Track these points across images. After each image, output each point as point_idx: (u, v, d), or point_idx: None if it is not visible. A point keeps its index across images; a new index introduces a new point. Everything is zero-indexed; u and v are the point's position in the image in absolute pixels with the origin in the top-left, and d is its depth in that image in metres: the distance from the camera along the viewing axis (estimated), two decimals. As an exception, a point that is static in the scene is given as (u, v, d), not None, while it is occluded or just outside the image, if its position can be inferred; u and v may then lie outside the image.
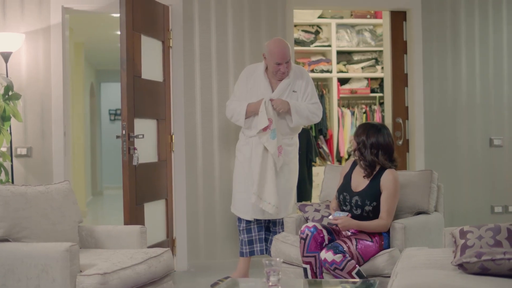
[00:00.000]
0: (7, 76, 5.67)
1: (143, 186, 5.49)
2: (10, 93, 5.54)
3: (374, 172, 4.53)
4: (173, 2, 6.08)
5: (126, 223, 5.21)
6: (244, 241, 5.55)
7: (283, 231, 5.24)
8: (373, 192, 4.48)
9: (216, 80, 6.17)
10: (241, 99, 5.48)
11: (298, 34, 9.32)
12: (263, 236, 5.60)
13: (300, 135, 7.37)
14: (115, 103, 15.61)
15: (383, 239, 4.46)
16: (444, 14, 6.67)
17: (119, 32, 5.44)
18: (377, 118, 9.54)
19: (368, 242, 4.36)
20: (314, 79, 9.44)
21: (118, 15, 5.42)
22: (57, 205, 4.28)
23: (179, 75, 6.09)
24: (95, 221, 10.59)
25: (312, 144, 8.71)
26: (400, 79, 6.78)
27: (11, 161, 5.69)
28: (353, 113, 9.60)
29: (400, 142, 6.69)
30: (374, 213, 4.48)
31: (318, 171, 9.24)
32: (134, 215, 5.30)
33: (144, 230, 4.54)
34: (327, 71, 9.43)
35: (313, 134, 9.23)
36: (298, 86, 5.49)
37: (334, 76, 9.44)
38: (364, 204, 4.48)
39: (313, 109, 5.50)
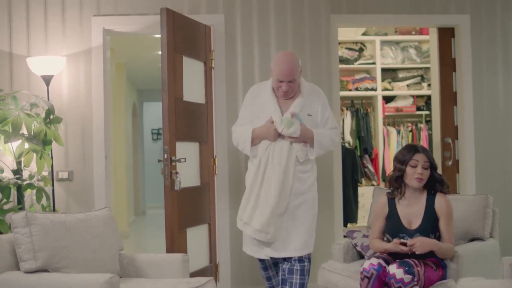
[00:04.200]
0: (48, 99, 5.61)
1: (186, 211, 5.36)
2: (51, 116, 5.47)
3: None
4: (214, 22, 5.97)
5: (168, 250, 5.09)
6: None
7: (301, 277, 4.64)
8: (432, 224, 4.27)
9: (259, 101, 6.01)
10: (246, 123, 4.80)
11: (342, 52, 9.16)
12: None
13: (345, 155, 7.22)
14: (158, 122, 15.63)
15: (444, 269, 4.25)
16: (494, 30, 6.44)
17: (160, 52, 5.35)
18: (423, 137, 9.32)
19: (433, 271, 4.16)
20: (358, 98, 9.29)
21: (159, 35, 5.32)
22: (97, 233, 4.17)
23: (221, 97, 5.96)
24: (138, 243, 10.52)
25: (357, 164, 8.53)
26: (449, 97, 6.56)
27: (52, 185, 5.62)
28: (398, 132, 9.39)
29: (450, 163, 6.46)
30: None
31: (363, 191, 9.04)
32: (176, 241, 5.17)
33: (186, 258, 4.40)
34: (372, 89, 9.25)
35: (358, 153, 9.04)
36: (314, 109, 4.75)
37: (379, 94, 9.25)
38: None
39: (333, 137, 4.81)
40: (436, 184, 4.35)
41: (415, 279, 3.94)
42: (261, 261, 4.83)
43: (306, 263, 4.60)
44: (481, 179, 6.37)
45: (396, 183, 4.39)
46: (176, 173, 5.15)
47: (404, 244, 4.14)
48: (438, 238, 4.26)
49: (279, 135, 4.58)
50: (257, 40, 6.05)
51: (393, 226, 4.37)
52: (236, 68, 6.03)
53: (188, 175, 5.46)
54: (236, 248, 5.96)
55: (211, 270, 5.79)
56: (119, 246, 4.37)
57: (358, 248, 4.87)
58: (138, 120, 14.33)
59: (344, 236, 5.33)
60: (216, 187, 5.94)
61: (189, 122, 5.52)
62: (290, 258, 4.60)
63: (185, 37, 5.49)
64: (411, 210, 4.33)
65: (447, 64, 6.56)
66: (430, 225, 4.25)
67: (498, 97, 6.45)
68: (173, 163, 5.15)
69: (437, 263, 4.22)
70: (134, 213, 13.34)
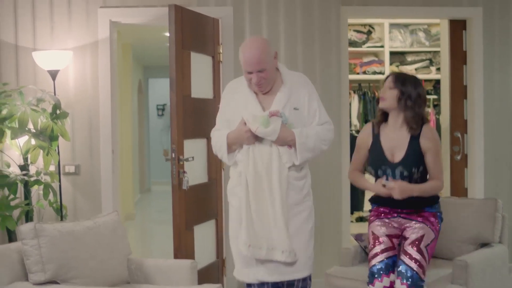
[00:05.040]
0: (54, 93, 5.55)
1: (193, 208, 5.33)
2: (57, 111, 5.43)
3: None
4: (223, 14, 5.88)
5: (175, 249, 5.07)
6: None
7: None
8: (417, 156, 4.03)
9: (267, 95, 5.93)
10: (224, 127, 4.12)
11: (350, 34, 9.04)
12: None
13: (352, 144, 7.13)
14: (163, 98, 15.60)
15: (438, 221, 4.14)
16: (507, 23, 6.33)
17: (167, 34, 5.24)
18: (431, 121, 9.24)
19: (433, 239, 4.05)
20: (366, 81, 9.19)
21: (166, 24, 5.22)
22: (106, 241, 4.15)
23: (229, 91, 5.89)
24: (143, 226, 10.51)
25: (364, 152, 8.47)
26: (459, 91, 6.48)
27: (59, 180, 5.59)
28: (406, 116, 9.31)
29: (459, 157, 6.40)
30: (422, 179, 4.08)
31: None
32: (183, 240, 5.15)
33: (195, 265, 4.39)
34: (380, 73, 9.15)
35: (364, 138, 8.99)
36: (300, 101, 4.03)
37: (387, 77, 9.15)
38: (411, 173, 4.03)
39: (323, 133, 4.02)
40: (415, 119, 4.06)
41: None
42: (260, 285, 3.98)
43: (308, 282, 4.05)
44: (489, 173, 6.32)
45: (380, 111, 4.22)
46: (184, 172, 5.11)
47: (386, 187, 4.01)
48: (423, 172, 4.07)
49: (257, 137, 3.92)
50: (266, 33, 5.96)
51: (376, 158, 4.15)
52: (245, 61, 5.93)
53: (196, 171, 5.42)
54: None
55: (218, 265, 5.79)
56: (127, 251, 4.36)
57: (368, 251, 4.83)
58: (143, 96, 14.27)
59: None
60: (224, 182, 5.90)
61: (197, 119, 5.46)
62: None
63: (193, 32, 5.41)
64: (395, 143, 4.10)
65: (458, 56, 6.47)
66: (413, 158, 4.03)
67: (509, 91, 6.36)
68: (181, 163, 5.11)
69: (430, 218, 4.11)
70: (139, 190, 13.34)
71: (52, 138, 5.40)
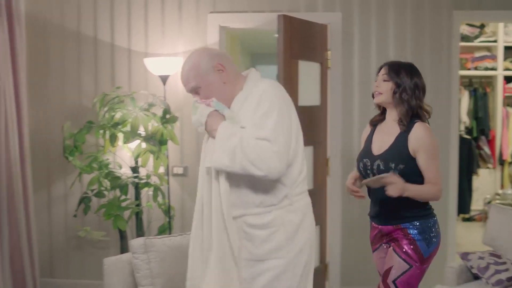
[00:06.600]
0: (165, 98, 5.69)
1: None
2: (167, 116, 5.56)
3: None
4: (331, 20, 5.83)
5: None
6: None
7: None
8: (398, 152, 3.57)
9: (375, 102, 5.85)
10: None
11: (462, 29, 8.80)
12: None
13: (460, 146, 6.98)
14: (269, 85, 15.64)
15: (419, 247, 3.60)
16: None
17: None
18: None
19: (405, 271, 3.57)
20: (477, 77, 8.92)
21: (275, 29, 5.23)
22: (212, 254, 4.25)
23: (337, 97, 5.85)
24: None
25: (473, 154, 8.30)
26: None
27: (168, 182, 5.74)
28: (518, 113, 9.01)
29: None
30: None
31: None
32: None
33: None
34: (492, 69, 8.87)
35: (474, 134, 8.77)
36: (248, 115, 3.08)
37: (500, 74, 8.86)
38: (388, 168, 3.56)
39: (252, 146, 2.94)
40: (411, 113, 3.64)
41: None
42: None
43: None
44: None
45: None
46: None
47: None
48: (404, 172, 3.54)
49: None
50: (375, 37, 5.87)
51: (363, 149, 3.82)
52: (353, 67, 5.88)
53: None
54: (347, 249, 5.96)
55: (320, 270, 5.82)
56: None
57: (474, 271, 4.71)
58: (250, 83, 14.34)
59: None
60: (329, 188, 5.91)
61: (304, 127, 5.41)
62: None
63: (302, 40, 5.40)
64: (385, 138, 3.68)
65: None
66: (395, 153, 3.58)
67: None
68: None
69: (406, 245, 3.62)
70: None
71: (162, 142, 5.54)
